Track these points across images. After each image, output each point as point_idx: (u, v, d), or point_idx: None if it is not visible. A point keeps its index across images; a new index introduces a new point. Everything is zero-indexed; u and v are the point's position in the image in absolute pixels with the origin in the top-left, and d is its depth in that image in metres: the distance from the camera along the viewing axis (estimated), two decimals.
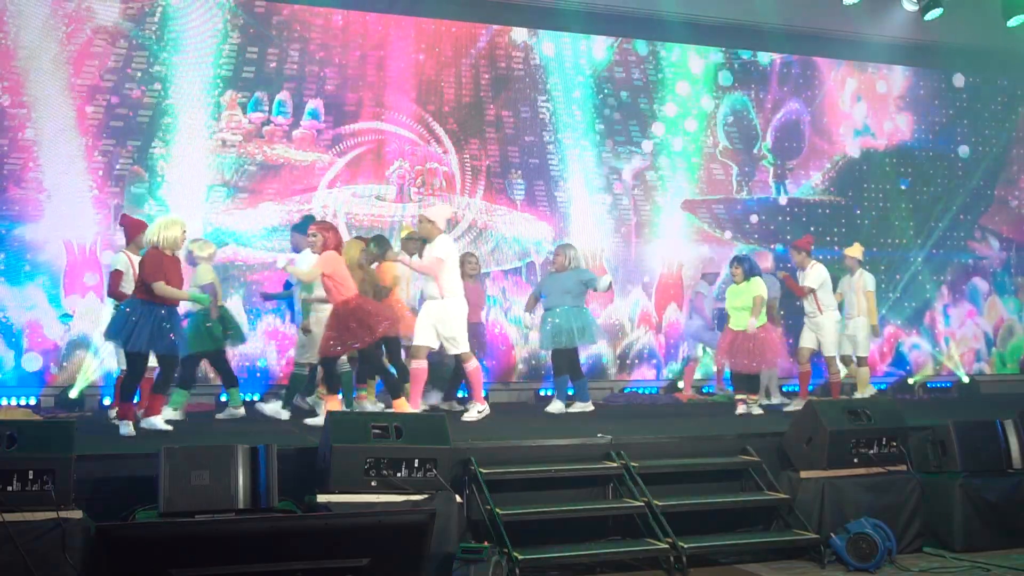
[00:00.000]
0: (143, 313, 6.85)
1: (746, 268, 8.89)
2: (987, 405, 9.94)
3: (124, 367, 7.43)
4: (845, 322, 9.99)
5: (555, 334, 8.84)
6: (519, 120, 11.54)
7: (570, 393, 9.10)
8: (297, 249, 8.35)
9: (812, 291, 9.20)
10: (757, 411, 8.87)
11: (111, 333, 7.02)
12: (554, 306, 8.95)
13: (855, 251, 10.14)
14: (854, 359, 9.93)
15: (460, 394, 9.48)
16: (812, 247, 9.58)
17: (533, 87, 11.64)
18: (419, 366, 7.84)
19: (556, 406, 8.80)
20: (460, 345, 7.92)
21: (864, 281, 9.92)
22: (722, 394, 10.50)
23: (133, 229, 7.90)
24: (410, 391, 7.84)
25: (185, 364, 7.83)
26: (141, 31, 10.17)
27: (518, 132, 11.53)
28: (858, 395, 9.86)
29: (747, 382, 8.93)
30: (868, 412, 6.85)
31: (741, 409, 8.82)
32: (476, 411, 7.96)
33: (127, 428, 6.84)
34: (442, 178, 11.17)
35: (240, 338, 8.52)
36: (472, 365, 8.03)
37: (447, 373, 9.13)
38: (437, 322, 7.85)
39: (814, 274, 9.26)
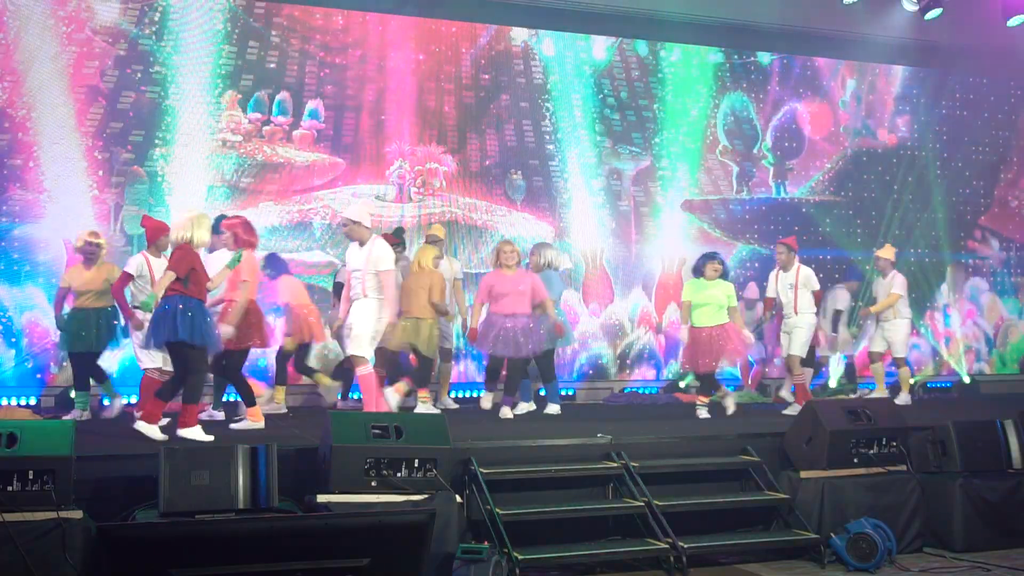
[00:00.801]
0: (192, 307, 6.67)
1: (722, 268, 8.70)
2: (987, 405, 9.94)
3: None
4: (881, 324, 9.99)
5: None
6: (519, 120, 11.54)
7: (540, 394, 9.02)
8: (212, 249, 8.03)
9: (818, 291, 9.13)
10: (704, 413, 8.63)
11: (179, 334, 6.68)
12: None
13: (887, 252, 10.11)
14: (893, 360, 10.01)
15: (454, 393, 9.59)
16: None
17: (533, 87, 11.64)
18: (363, 372, 7.49)
19: (553, 408, 8.66)
20: (357, 346, 7.41)
21: (895, 282, 9.91)
22: (747, 392, 10.56)
23: (157, 231, 7.75)
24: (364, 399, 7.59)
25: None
26: (141, 31, 10.17)
27: (518, 132, 11.53)
28: (909, 396, 9.92)
29: (709, 381, 8.75)
30: (868, 412, 6.85)
31: (703, 413, 8.62)
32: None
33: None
34: (442, 178, 11.18)
35: (108, 344, 8.23)
36: (364, 370, 7.48)
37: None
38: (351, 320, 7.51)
39: (808, 276, 9.12)
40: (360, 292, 7.42)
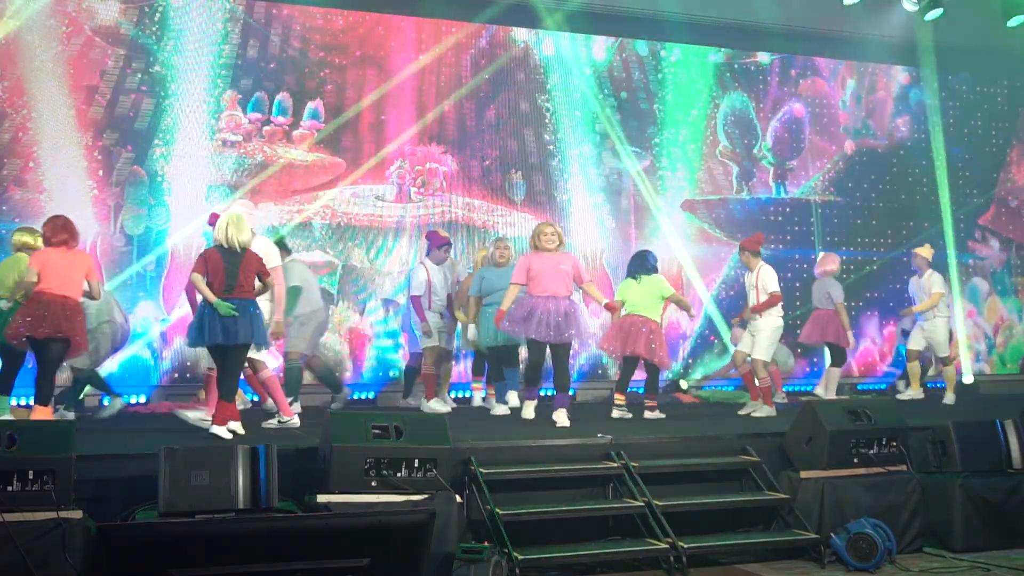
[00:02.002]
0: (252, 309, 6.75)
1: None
2: (987, 405, 9.93)
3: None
4: (921, 323, 9.96)
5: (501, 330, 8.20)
6: (519, 120, 11.54)
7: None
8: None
9: (776, 295, 8.77)
10: (625, 413, 8.49)
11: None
12: (499, 301, 8.20)
13: (925, 251, 10.05)
14: (935, 360, 10.06)
15: (454, 394, 9.60)
16: (761, 247, 9.15)
17: (533, 87, 11.64)
18: (262, 376, 7.35)
19: (500, 409, 8.36)
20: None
21: (932, 281, 9.86)
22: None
23: None
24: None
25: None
26: (141, 31, 10.17)
27: (518, 132, 11.53)
28: (920, 391, 9.90)
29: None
30: (868, 412, 6.84)
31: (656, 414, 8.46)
32: (278, 421, 7.38)
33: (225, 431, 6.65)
34: (442, 178, 11.18)
35: None
36: (264, 375, 7.35)
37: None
38: None
39: (770, 276, 8.82)
40: None
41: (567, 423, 7.63)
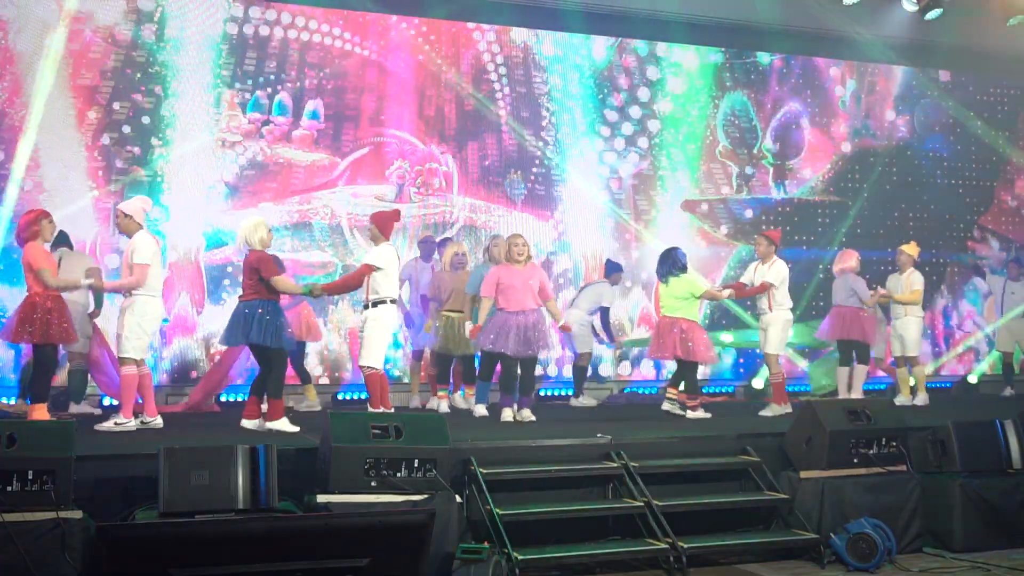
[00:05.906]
0: (270, 309, 7.16)
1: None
2: (987, 405, 9.93)
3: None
4: (893, 321, 9.93)
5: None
6: (519, 120, 11.54)
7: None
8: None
9: (772, 287, 8.78)
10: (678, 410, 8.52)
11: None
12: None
13: (911, 249, 10.00)
14: (905, 360, 9.95)
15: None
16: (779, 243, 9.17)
17: (533, 87, 11.64)
18: (124, 372, 7.23)
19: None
20: (123, 347, 7.19)
21: (912, 280, 9.82)
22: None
23: (387, 222, 7.70)
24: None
25: None
26: (141, 31, 10.17)
27: (518, 132, 11.53)
28: (911, 398, 9.84)
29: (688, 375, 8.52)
30: (868, 412, 6.85)
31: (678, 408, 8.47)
32: (114, 423, 7.16)
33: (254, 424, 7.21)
34: (442, 178, 11.18)
35: None
36: (126, 371, 7.20)
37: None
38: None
39: (776, 270, 8.85)
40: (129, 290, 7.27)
41: (533, 418, 8.03)
